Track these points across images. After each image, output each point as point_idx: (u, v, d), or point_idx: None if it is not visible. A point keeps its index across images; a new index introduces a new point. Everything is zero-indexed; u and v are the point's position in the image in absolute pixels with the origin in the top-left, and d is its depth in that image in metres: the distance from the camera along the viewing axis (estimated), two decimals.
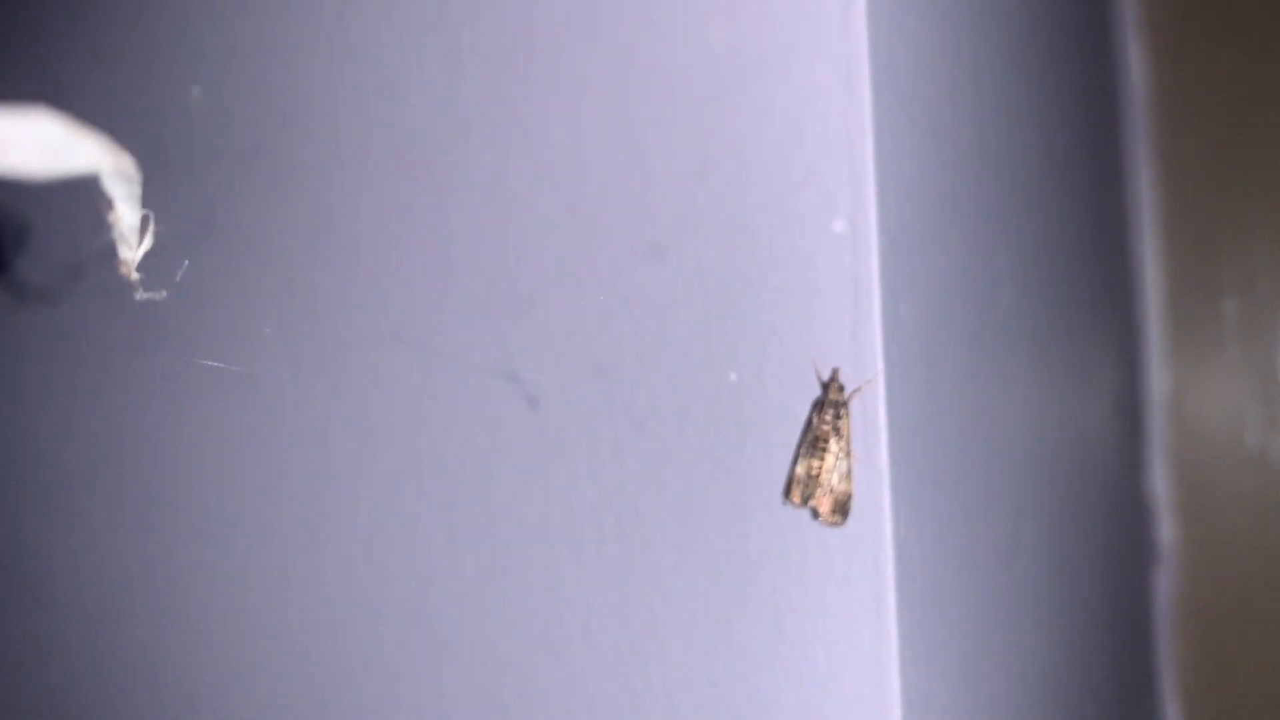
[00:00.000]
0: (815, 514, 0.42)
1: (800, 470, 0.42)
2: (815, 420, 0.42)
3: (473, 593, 0.48)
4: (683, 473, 0.44)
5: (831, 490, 0.41)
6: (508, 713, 0.48)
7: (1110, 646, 0.74)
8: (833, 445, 0.41)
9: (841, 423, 0.41)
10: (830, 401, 0.41)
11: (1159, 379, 0.77)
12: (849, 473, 0.41)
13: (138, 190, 0.34)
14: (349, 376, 0.51)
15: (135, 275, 0.37)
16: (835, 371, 0.41)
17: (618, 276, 0.45)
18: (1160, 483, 0.77)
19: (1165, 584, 0.77)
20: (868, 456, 0.42)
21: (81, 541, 0.58)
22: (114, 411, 0.57)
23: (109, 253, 0.37)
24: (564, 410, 0.46)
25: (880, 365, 0.41)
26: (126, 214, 0.34)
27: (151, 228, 0.36)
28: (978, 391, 0.50)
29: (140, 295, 0.39)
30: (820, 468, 0.41)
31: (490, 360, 0.47)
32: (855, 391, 0.41)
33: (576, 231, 0.46)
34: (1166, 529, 0.77)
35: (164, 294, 0.49)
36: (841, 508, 0.41)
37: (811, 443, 0.42)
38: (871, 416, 0.42)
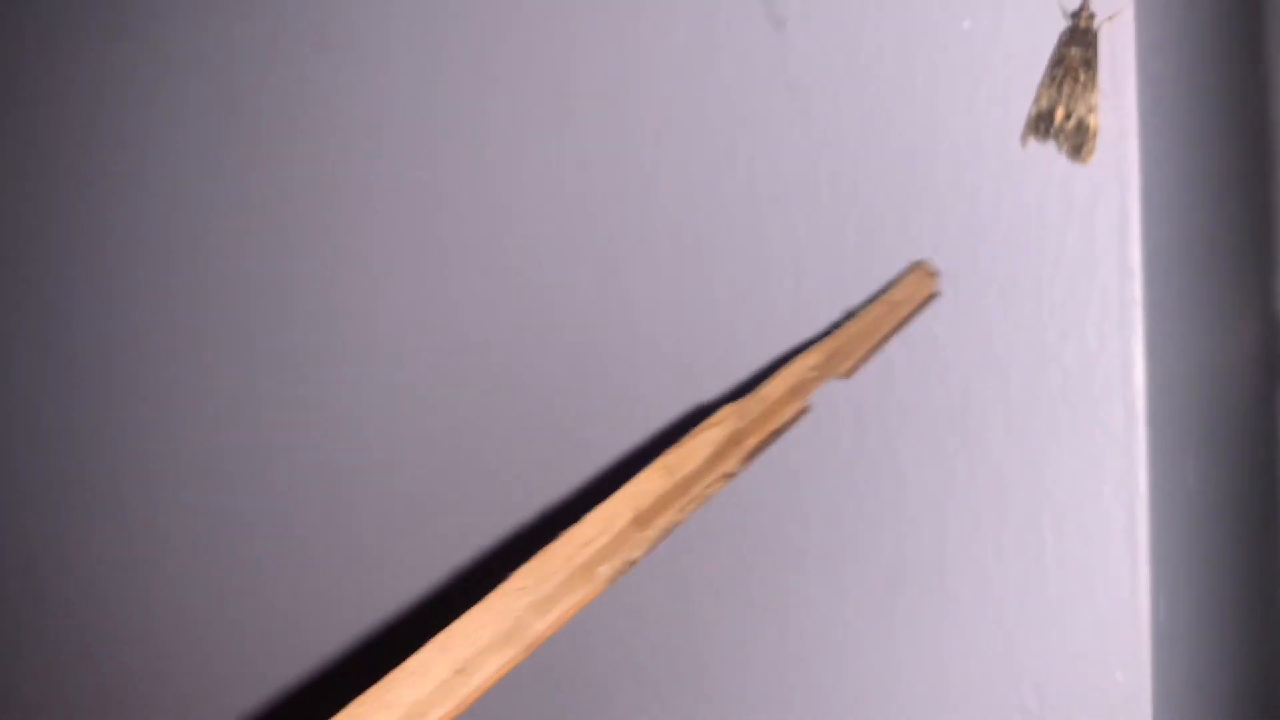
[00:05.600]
0: (1059, 148, 0.40)
1: (1044, 104, 0.40)
2: (1062, 52, 0.40)
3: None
4: (910, 127, 0.43)
5: (1079, 123, 0.40)
6: None
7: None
8: (1081, 76, 0.40)
9: (1090, 53, 0.40)
10: (1079, 30, 0.40)
11: None
12: (1096, 106, 0.40)
13: None
14: None
15: None
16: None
17: None
18: None
19: None
20: (1115, 92, 0.40)
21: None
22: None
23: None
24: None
25: None
26: None
27: None
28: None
29: None
30: (1068, 100, 0.40)
31: None
32: (1106, 20, 0.40)
33: None
34: None
35: None
36: (1088, 141, 0.40)
37: (1059, 76, 0.40)
38: (1121, 55, 0.40)
